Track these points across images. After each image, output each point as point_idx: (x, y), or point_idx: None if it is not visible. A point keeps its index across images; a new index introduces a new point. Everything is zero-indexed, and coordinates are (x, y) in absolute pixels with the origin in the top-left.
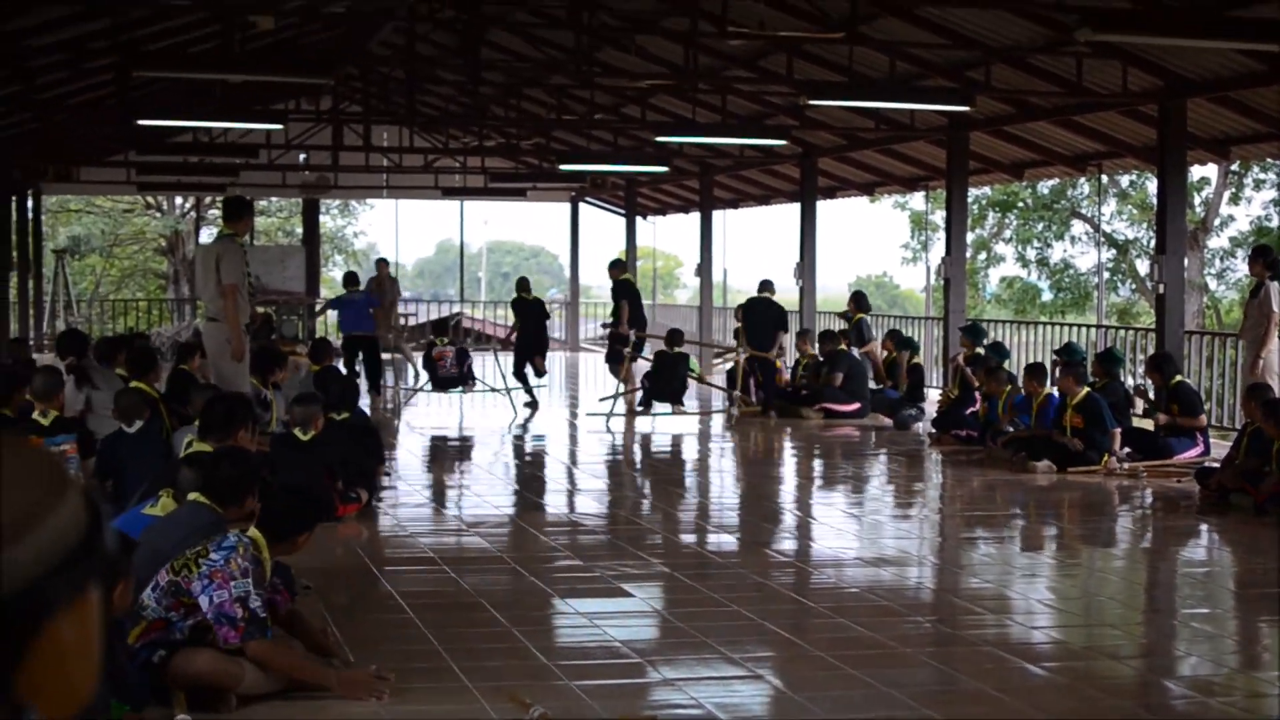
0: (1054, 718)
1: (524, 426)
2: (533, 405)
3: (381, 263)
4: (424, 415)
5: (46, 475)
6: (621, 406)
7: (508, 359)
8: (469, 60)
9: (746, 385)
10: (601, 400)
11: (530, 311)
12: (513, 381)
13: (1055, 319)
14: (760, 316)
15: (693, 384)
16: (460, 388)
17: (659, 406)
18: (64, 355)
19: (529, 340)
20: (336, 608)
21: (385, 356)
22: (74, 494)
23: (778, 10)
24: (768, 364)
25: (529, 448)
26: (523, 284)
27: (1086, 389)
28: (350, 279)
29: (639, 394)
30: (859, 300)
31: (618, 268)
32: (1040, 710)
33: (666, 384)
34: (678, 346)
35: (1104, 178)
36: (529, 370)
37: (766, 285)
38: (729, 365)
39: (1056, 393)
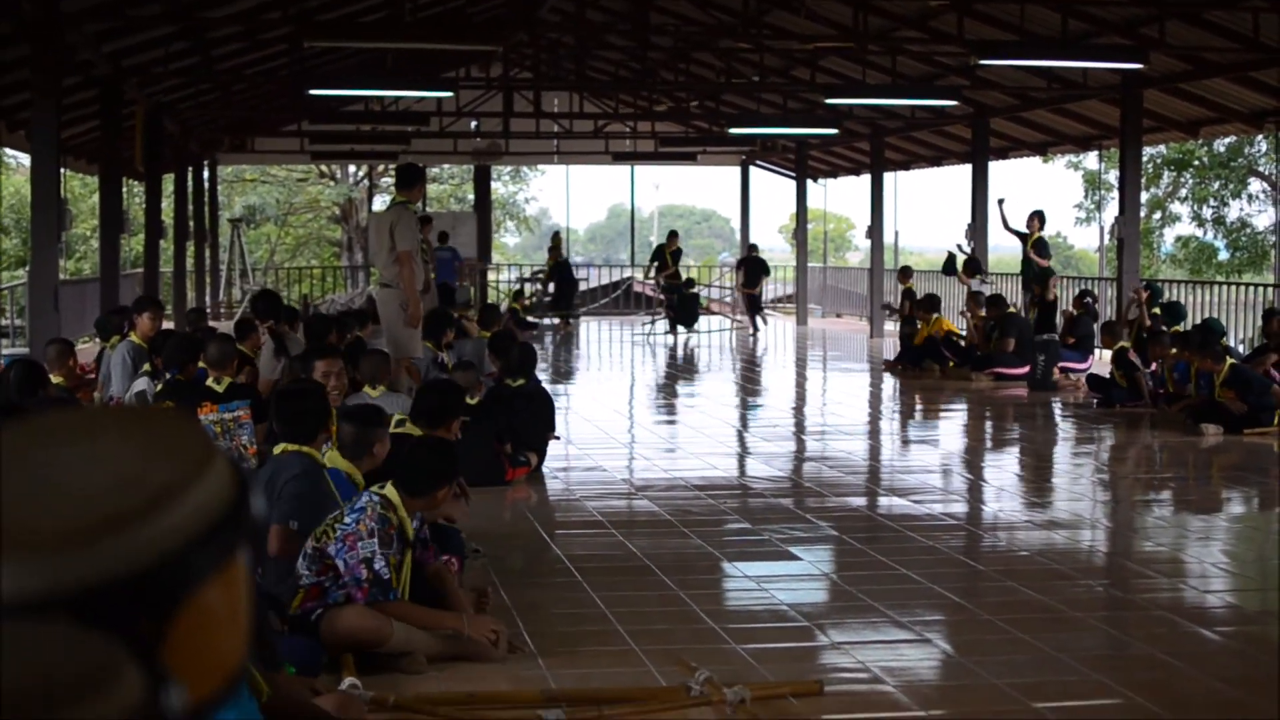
0: (1228, 683)
1: (682, 389)
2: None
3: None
4: (584, 381)
5: (191, 445)
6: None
7: None
8: (638, 25)
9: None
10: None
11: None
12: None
13: (1232, 278)
14: (751, 267)
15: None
16: None
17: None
18: (262, 318)
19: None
20: (507, 572)
21: None
22: (219, 463)
23: None
24: (754, 297)
25: (693, 410)
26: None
27: (1229, 362)
28: (442, 237)
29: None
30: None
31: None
32: (1214, 676)
33: (687, 314)
34: (691, 289)
35: None
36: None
37: (754, 248)
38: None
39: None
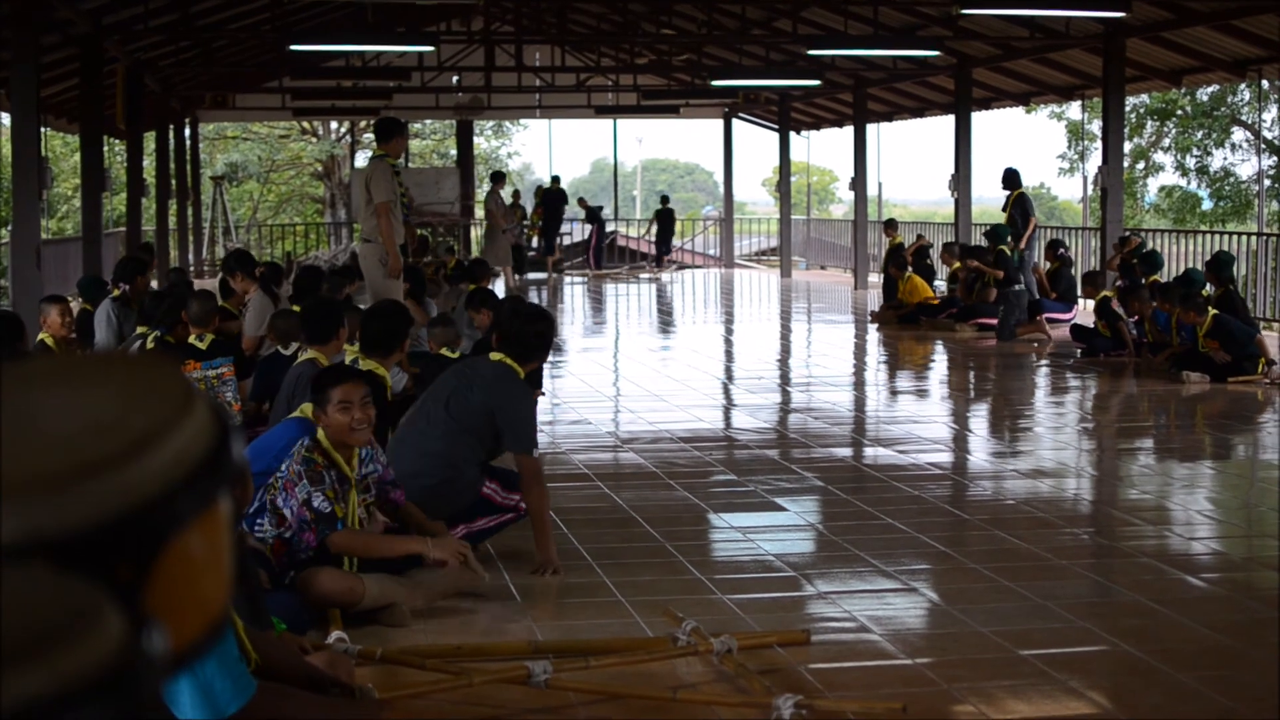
0: (1214, 630)
1: (672, 337)
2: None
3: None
4: (576, 334)
5: (172, 391)
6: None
7: None
8: None
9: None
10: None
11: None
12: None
13: (1215, 228)
14: (664, 220)
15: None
16: None
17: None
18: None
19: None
20: None
21: None
22: (200, 409)
23: None
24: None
25: (681, 361)
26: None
27: (1211, 313)
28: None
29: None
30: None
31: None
32: (1199, 622)
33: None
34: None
35: (1265, 83)
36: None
37: (665, 199)
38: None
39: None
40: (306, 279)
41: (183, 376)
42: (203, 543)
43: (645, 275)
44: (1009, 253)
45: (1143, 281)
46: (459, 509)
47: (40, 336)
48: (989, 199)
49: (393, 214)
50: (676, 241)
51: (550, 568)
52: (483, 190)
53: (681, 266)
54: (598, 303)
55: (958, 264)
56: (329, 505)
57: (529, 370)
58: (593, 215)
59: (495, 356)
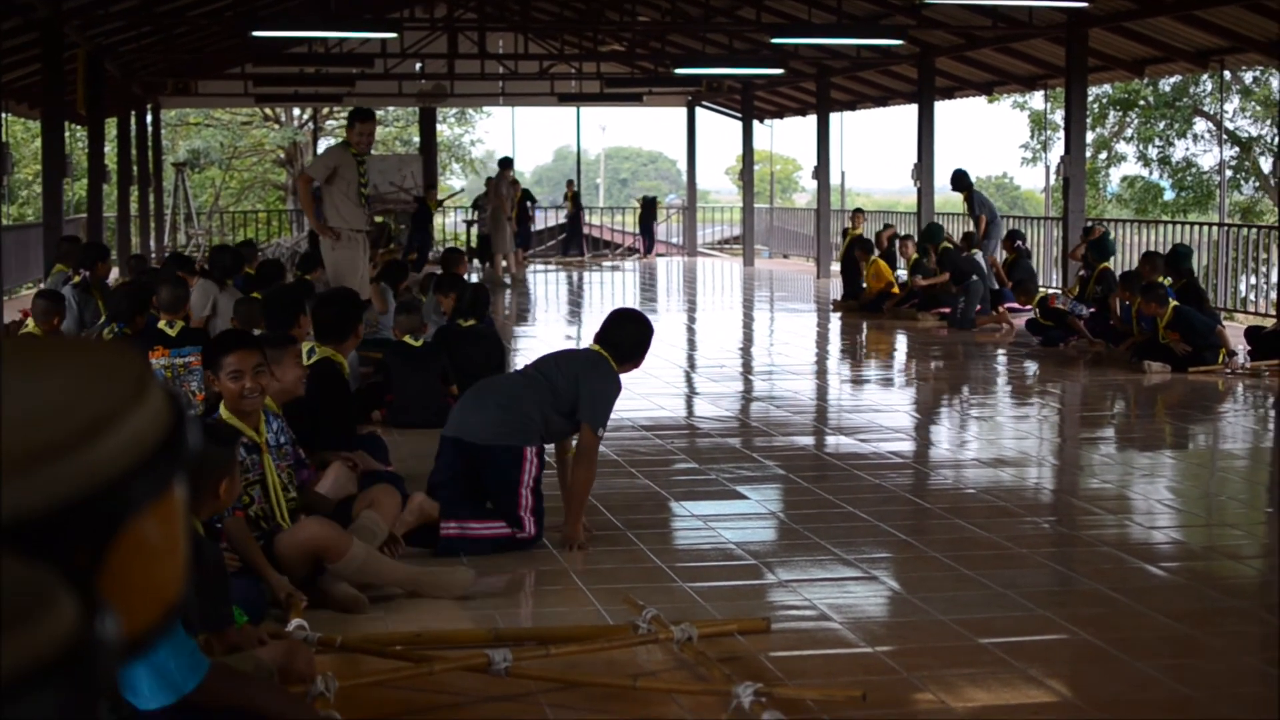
0: (1173, 618)
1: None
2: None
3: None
4: (534, 323)
5: (127, 374)
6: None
7: None
8: None
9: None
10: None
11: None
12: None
13: (1177, 218)
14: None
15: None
16: None
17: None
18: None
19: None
20: None
21: None
22: (156, 393)
23: None
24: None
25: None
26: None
27: (1172, 304)
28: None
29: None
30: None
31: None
32: (1159, 611)
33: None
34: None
35: (1227, 74)
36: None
37: (571, 182)
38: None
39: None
40: (270, 270)
41: (139, 362)
42: (158, 528)
43: (608, 263)
44: (951, 248)
45: (1093, 270)
46: (503, 457)
47: (27, 328)
48: (947, 189)
49: (337, 196)
50: (635, 229)
51: (575, 543)
52: (445, 177)
53: (634, 252)
54: (571, 290)
55: (915, 254)
56: None
57: (624, 371)
58: (578, 203)
59: (594, 347)
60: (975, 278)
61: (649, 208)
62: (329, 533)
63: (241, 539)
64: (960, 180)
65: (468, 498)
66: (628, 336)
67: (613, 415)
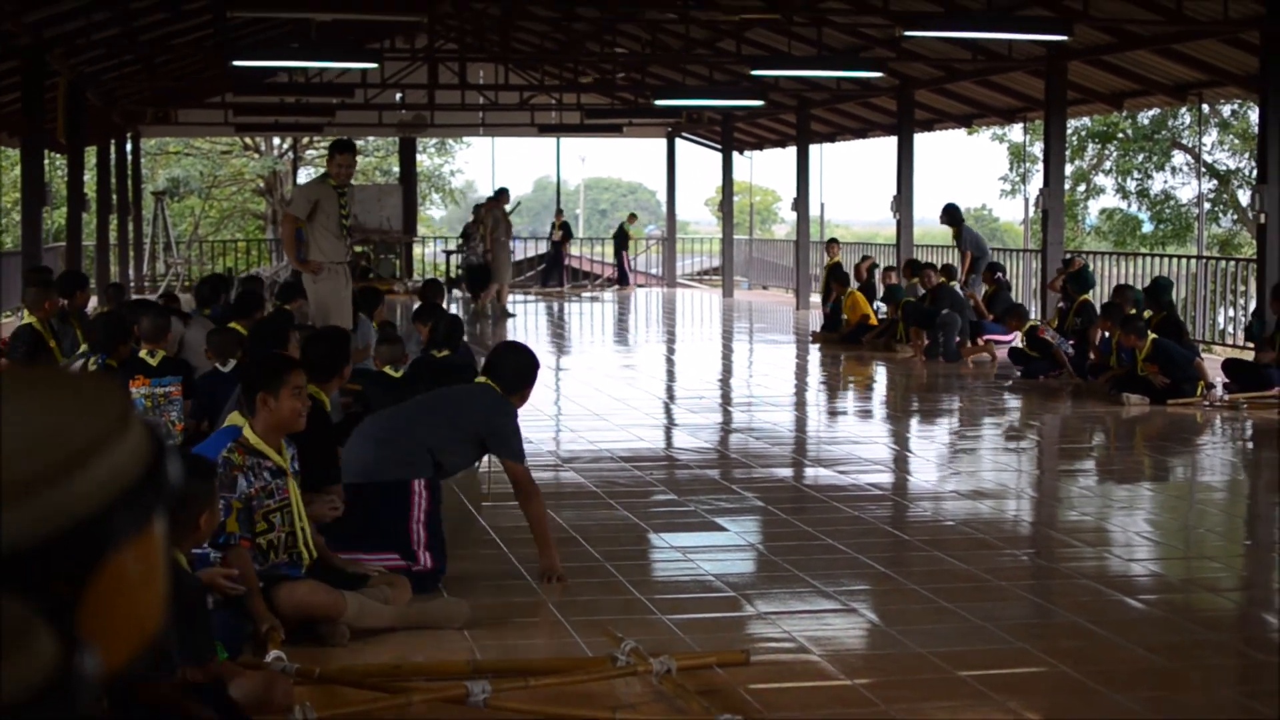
0: (1152, 651)
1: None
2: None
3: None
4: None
5: (107, 408)
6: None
7: None
8: None
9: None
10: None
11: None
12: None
13: (1156, 250)
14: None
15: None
16: None
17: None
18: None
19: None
20: None
21: None
22: (136, 427)
23: None
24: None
25: (622, 379)
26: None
27: (1151, 337)
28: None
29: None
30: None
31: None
32: (1137, 643)
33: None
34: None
35: (1205, 107)
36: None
37: (561, 211)
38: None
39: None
40: (251, 296)
41: (120, 394)
42: (138, 562)
43: (587, 294)
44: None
45: (1072, 302)
46: (390, 492)
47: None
48: (931, 220)
49: (318, 231)
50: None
51: (554, 574)
52: (424, 208)
53: (612, 284)
54: (553, 322)
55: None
56: (225, 513)
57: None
58: (567, 232)
59: (480, 379)
60: (946, 311)
61: (620, 236)
62: (323, 600)
63: (246, 570)
64: (952, 215)
65: (359, 534)
66: (510, 367)
67: (590, 446)
